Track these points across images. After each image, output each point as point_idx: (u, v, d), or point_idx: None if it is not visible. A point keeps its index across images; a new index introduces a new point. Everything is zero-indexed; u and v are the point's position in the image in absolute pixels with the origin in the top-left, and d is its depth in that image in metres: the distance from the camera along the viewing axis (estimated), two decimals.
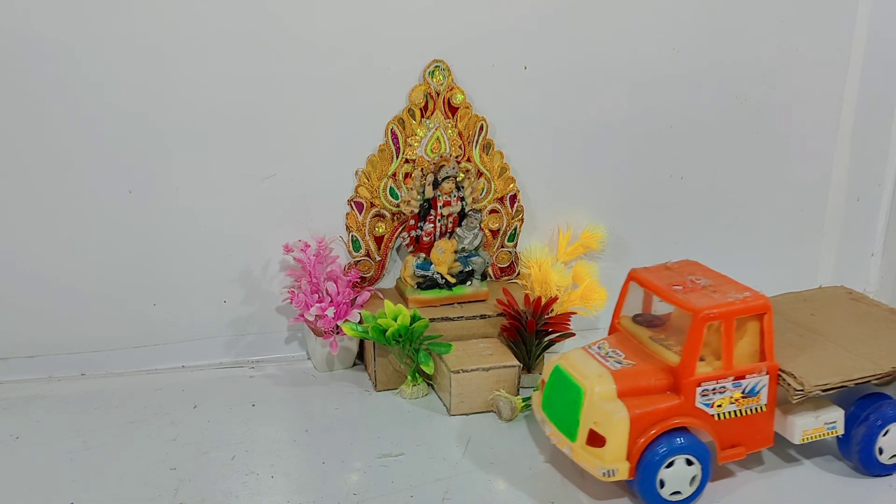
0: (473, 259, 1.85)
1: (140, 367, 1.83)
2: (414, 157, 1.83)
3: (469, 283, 1.85)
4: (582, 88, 1.91)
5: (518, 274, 1.99)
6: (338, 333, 1.77)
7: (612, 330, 1.53)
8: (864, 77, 2.07)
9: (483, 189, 1.89)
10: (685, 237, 2.10)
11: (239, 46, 1.70)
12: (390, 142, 1.81)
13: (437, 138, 1.83)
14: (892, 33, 2.06)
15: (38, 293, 1.75)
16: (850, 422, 1.45)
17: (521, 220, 1.95)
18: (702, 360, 1.35)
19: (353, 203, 1.84)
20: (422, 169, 1.83)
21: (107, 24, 1.63)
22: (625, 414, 1.31)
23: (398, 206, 1.85)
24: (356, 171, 1.83)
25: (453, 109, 1.82)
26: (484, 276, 1.90)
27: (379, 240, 1.87)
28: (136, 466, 1.47)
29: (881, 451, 1.45)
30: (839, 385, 1.39)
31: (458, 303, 1.84)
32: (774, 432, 1.43)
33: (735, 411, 1.38)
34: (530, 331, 1.73)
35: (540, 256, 1.94)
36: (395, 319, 1.66)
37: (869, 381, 1.41)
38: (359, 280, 1.86)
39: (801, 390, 1.36)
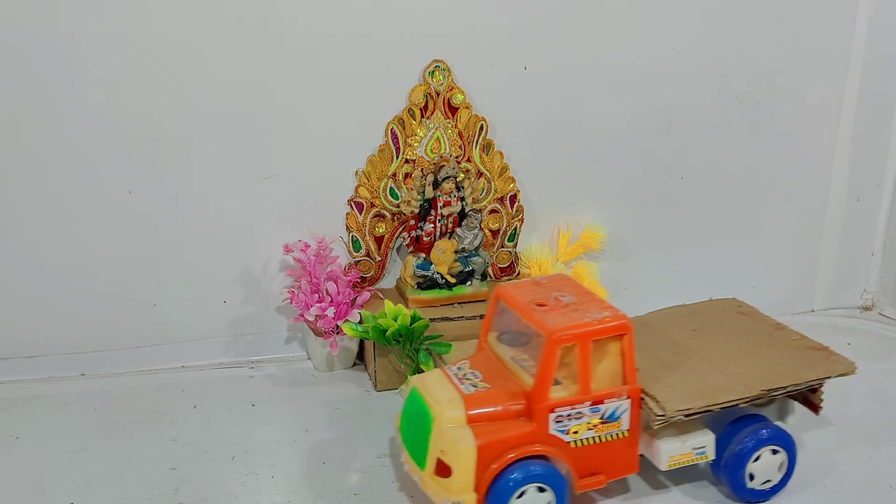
0: (473, 259, 1.85)
1: (140, 367, 1.83)
2: (414, 157, 1.83)
3: (469, 283, 1.85)
4: (582, 88, 1.92)
5: (518, 274, 1.99)
6: (338, 333, 1.77)
7: (479, 349, 1.44)
8: (864, 77, 2.07)
9: (483, 189, 1.89)
10: (685, 237, 2.10)
11: (239, 47, 1.70)
12: (390, 142, 1.81)
13: (437, 138, 1.83)
14: (892, 33, 2.06)
15: (39, 293, 1.75)
16: (721, 445, 1.36)
17: (521, 220, 1.95)
18: (558, 383, 1.27)
19: (353, 203, 1.84)
20: (422, 169, 1.83)
21: (108, 24, 1.63)
22: (471, 443, 1.22)
23: (398, 206, 1.85)
24: (356, 171, 1.83)
25: (453, 109, 1.82)
26: (484, 276, 1.90)
27: (379, 240, 1.87)
28: (136, 466, 1.47)
29: (752, 477, 1.36)
30: (703, 410, 1.29)
31: (458, 303, 1.84)
32: (641, 458, 1.35)
33: (593, 438, 1.28)
34: None
35: (540, 256, 1.94)
36: (395, 319, 1.66)
37: (737, 405, 1.32)
38: (359, 280, 1.86)
39: (663, 415, 1.27)
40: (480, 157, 1.87)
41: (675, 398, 1.30)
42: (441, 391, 1.31)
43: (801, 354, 1.45)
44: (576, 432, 1.28)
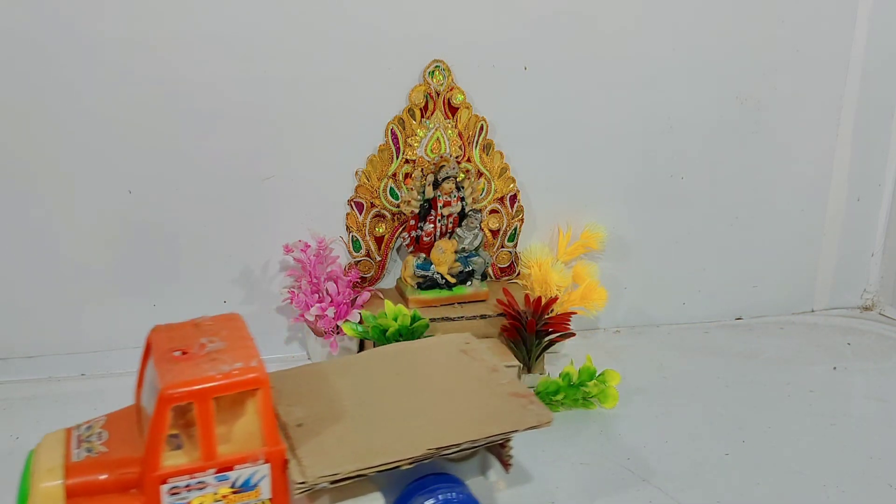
0: (474, 259, 1.85)
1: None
2: (414, 158, 1.83)
3: (469, 283, 1.85)
4: (582, 88, 1.92)
5: (518, 274, 1.99)
6: (338, 333, 1.77)
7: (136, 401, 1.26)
8: (864, 77, 2.07)
9: (483, 189, 1.89)
10: (685, 237, 2.10)
11: (239, 46, 1.70)
12: (390, 142, 1.81)
13: (437, 138, 1.83)
14: (892, 33, 2.06)
15: (39, 293, 1.75)
16: None
17: (521, 220, 1.95)
18: (179, 447, 1.11)
19: (353, 203, 1.84)
20: (422, 169, 1.83)
21: (108, 24, 1.63)
22: None
23: (398, 206, 1.85)
24: (356, 171, 1.83)
25: (453, 109, 1.82)
26: (484, 276, 1.90)
27: (379, 240, 1.87)
28: None
29: None
30: (354, 475, 1.11)
31: (458, 303, 1.84)
32: None
33: None
34: (530, 331, 1.73)
35: (540, 256, 1.94)
36: (396, 320, 1.66)
37: (399, 467, 1.14)
38: (359, 280, 1.86)
39: (304, 483, 1.09)
40: (480, 157, 1.87)
41: (323, 461, 1.12)
42: (47, 457, 1.12)
43: (497, 404, 1.27)
44: None
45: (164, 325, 1.23)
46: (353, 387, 1.31)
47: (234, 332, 1.21)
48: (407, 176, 1.83)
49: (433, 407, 1.26)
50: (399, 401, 1.28)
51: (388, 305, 1.68)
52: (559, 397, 1.66)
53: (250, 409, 1.12)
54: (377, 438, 1.18)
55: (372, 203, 1.84)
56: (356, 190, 1.83)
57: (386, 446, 1.16)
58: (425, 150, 1.83)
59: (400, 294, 1.87)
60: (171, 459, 1.09)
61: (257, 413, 1.12)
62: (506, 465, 1.30)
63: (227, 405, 1.11)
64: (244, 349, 1.16)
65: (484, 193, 1.90)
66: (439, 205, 1.82)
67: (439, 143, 1.83)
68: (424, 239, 1.84)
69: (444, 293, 1.83)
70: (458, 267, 1.84)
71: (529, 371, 1.77)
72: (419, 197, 1.82)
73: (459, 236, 1.85)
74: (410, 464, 1.15)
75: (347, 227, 1.85)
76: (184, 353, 1.14)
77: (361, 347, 1.85)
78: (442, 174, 1.80)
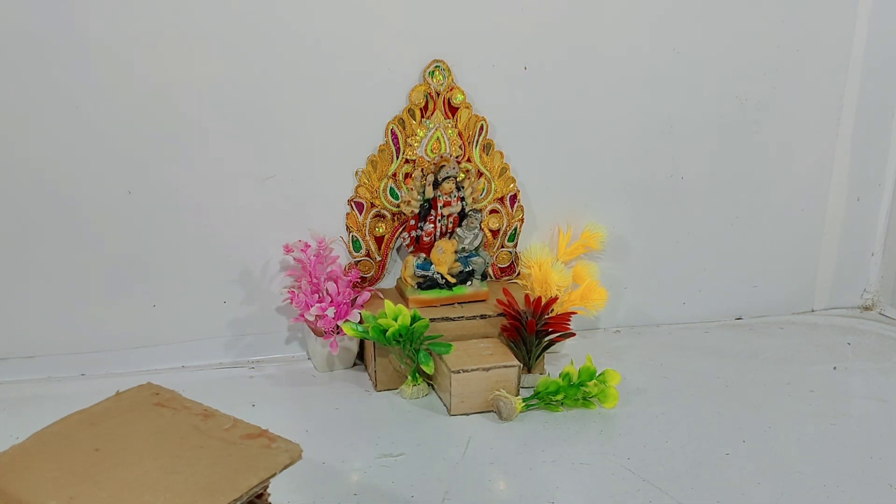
0: (474, 259, 1.85)
1: (140, 367, 1.83)
2: (414, 157, 1.83)
3: (469, 283, 1.85)
4: (582, 88, 1.92)
5: (518, 274, 1.99)
6: (338, 333, 1.77)
7: None
8: (864, 77, 2.07)
9: (483, 189, 1.89)
10: (685, 237, 2.10)
11: (239, 46, 1.70)
12: (390, 142, 1.81)
13: (437, 138, 1.83)
14: (892, 34, 2.06)
15: (38, 293, 1.75)
16: None
17: (521, 220, 1.95)
18: None
19: (353, 203, 1.84)
20: (422, 169, 1.83)
21: (108, 24, 1.63)
22: None
23: (398, 206, 1.85)
24: (356, 171, 1.83)
25: (453, 109, 1.82)
26: (484, 276, 1.90)
27: (379, 240, 1.87)
28: None
29: None
30: None
31: (458, 303, 1.84)
32: None
33: None
34: (530, 331, 1.73)
35: (540, 256, 1.94)
36: (396, 319, 1.66)
37: None
38: (359, 280, 1.86)
39: None
40: (480, 157, 1.87)
41: None
42: None
43: (234, 452, 1.14)
44: None
45: None
46: (46, 483, 1.07)
47: None
48: (407, 176, 1.83)
49: (162, 478, 1.06)
50: (119, 481, 1.06)
51: (388, 305, 1.68)
52: (559, 397, 1.66)
53: None
54: None
55: (372, 203, 1.84)
56: (356, 190, 1.83)
57: None
58: (425, 150, 1.83)
59: (400, 294, 1.87)
60: None
61: None
62: None
63: None
64: None
65: (484, 193, 1.90)
66: (439, 205, 1.82)
67: (439, 143, 1.83)
68: (424, 239, 1.84)
69: (444, 293, 1.83)
70: (458, 267, 1.84)
71: (529, 371, 1.77)
72: (419, 197, 1.82)
73: (459, 236, 1.85)
74: None
75: (347, 227, 1.85)
76: None
77: (361, 347, 1.85)
78: (442, 174, 1.80)
